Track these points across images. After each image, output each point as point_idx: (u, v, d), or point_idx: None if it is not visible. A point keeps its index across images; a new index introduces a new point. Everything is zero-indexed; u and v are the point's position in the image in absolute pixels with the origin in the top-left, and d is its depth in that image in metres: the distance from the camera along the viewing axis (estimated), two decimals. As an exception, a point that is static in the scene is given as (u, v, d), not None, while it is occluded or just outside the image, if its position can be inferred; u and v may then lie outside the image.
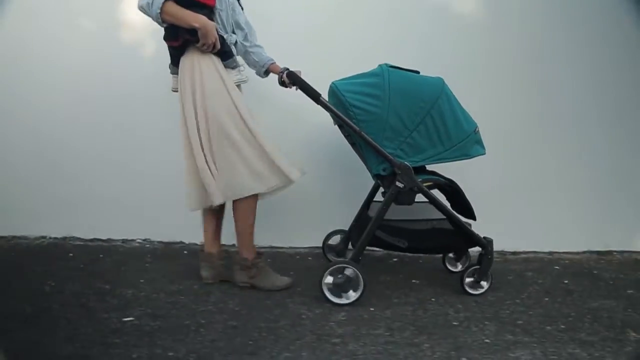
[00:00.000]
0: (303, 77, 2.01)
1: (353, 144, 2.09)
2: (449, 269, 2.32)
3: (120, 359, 1.51)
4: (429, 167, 2.15)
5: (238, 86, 2.04)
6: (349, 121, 1.89)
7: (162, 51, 2.01)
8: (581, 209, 2.62)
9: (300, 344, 1.62)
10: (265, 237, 2.50)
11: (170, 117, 2.45)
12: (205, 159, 1.95)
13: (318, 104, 1.94)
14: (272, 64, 2.15)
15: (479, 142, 1.99)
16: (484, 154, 1.99)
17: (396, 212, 2.05)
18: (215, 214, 2.12)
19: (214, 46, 1.86)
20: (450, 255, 2.34)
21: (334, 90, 1.92)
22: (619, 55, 2.53)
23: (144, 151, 2.58)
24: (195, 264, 2.18)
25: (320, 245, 2.46)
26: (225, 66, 1.95)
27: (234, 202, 2.00)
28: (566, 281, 2.23)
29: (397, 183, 1.90)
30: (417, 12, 2.54)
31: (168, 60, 2.00)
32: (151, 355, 1.53)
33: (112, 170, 2.60)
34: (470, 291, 2.04)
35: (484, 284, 2.05)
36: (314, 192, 2.54)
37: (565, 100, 2.58)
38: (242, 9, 2.10)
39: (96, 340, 1.61)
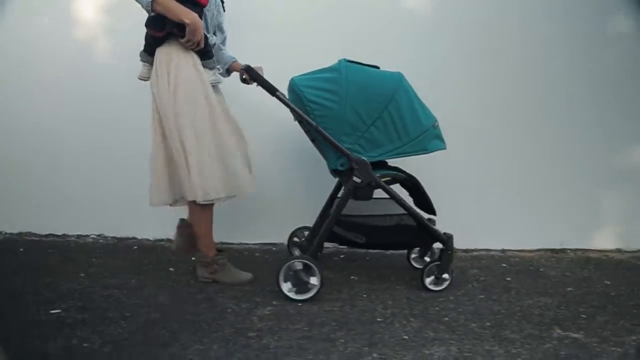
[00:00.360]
0: (267, 72, 2.02)
1: (313, 140, 2.09)
2: (414, 266, 2.30)
3: (34, 350, 1.53)
4: (392, 162, 2.14)
5: (214, 86, 2.05)
6: (305, 116, 1.90)
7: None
8: (537, 208, 2.59)
9: (216, 337, 1.63)
10: (229, 234, 2.56)
11: (125, 115, 2.53)
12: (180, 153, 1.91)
13: (276, 98, 1.95)
14: (234, 62, 2.17)
15: (439, 137, 1.98)
16: (445, 148, 1.99)
17: (359, 208, 2.06)
18: None
19: (198, 44, 1.86)
20: (415, 251, 2.32)
21: (292, 85, 1.94)
22: (582, 54, 2.50)
23: (101, 149, 2.61)
24: (142, 259, 2.22)
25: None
26: (204, 66, 1.95)
27: (190, 204, 2.00)
28: (508, 279, 2.21)
29: (355, 178, 1.90)
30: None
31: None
32: (66, 346, 1.55)
33: (69, 167, 2.64)
34: (431, 287, 2.04)
35: (445, 279, 2.05)
36: (279, 189, 2.56)
37: (520, 99, 2.55)
38: (224, 10, 2.12)
39: (16, 333, 1.61)
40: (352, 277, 2.19)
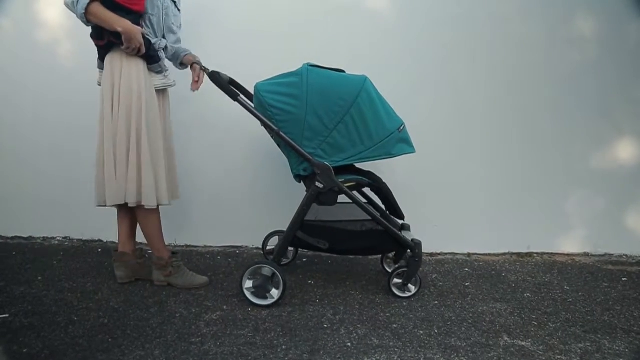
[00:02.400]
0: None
1: (279, 145, 2.07)
2: (387, 270, 2.28)
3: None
4: (363, 166, 2.13)
5: (164, 90, 2.07)
6: (267, 121, 1.89)
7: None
8: (504, 211, 2.57)
9: (158, 343, 1.62)
10: (193, 237, 2.57)
11: (89, 115, 2.51)
12: (114, 157, 1.94)
13: (238, 103, 1.94)
14: (186, 55, 2.15)
15: (405, 141, 1.95)
16: (413, 152, 1.95)
17: (326, 213, 2.05)
18: (129, 212, 2.10)
19: (139, 50, 1.88)
20: (390, 256, 2.29)
21: (255, 91, 1.93)
22: (535, 58, 2.47)
23: (67, 151, 2.61)
24: (103, 262, 2.21)
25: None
26: (150, 70, 1.97)
27: (136, 208, 2.00)
28: (467, 284, 2.18)
29: (317, 183, 1.89)
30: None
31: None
32: (6, 351, 1.55)
33: (35, 169, 2.64)
34: (398, 293, 2.02)
35: (412, 286, 2.03)
36: (248, 192, 2.55)
37: (482, 102, 2.52)
38: (179, 11, 2.11)
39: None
40: (309, 282, 2.18)
